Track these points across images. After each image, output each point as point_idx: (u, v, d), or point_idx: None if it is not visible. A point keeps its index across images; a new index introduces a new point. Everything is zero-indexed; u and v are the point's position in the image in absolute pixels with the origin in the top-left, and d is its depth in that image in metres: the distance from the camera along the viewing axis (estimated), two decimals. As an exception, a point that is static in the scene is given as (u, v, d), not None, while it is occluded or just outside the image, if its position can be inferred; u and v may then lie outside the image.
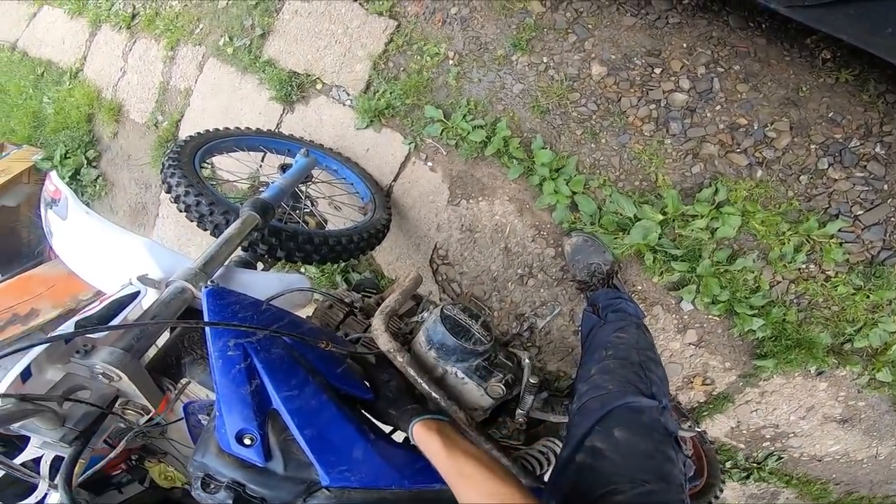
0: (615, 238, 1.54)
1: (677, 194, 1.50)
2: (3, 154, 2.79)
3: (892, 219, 1.47)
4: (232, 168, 1.79)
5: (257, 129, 1.82)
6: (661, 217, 1.50)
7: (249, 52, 2.10)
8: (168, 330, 0.89)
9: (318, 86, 1.98)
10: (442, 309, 0.95)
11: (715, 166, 1.53)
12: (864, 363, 1.54)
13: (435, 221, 1.84)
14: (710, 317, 1.55)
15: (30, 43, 3.03)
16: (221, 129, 1.70)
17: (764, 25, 1.57)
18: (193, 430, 1.03)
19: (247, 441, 0.71)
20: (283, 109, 2.06)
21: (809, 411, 1.61)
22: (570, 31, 1.65)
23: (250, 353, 0.76)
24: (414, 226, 1.89)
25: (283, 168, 1.68)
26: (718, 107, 1.54)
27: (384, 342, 0.89)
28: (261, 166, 2.00)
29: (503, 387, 0.93)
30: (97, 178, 2.61)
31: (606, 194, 1.56)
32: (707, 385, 1.64)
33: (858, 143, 1.48)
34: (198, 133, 1.60)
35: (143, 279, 0.92)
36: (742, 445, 1.73)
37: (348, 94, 1.93)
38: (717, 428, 1.76)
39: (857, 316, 1.51)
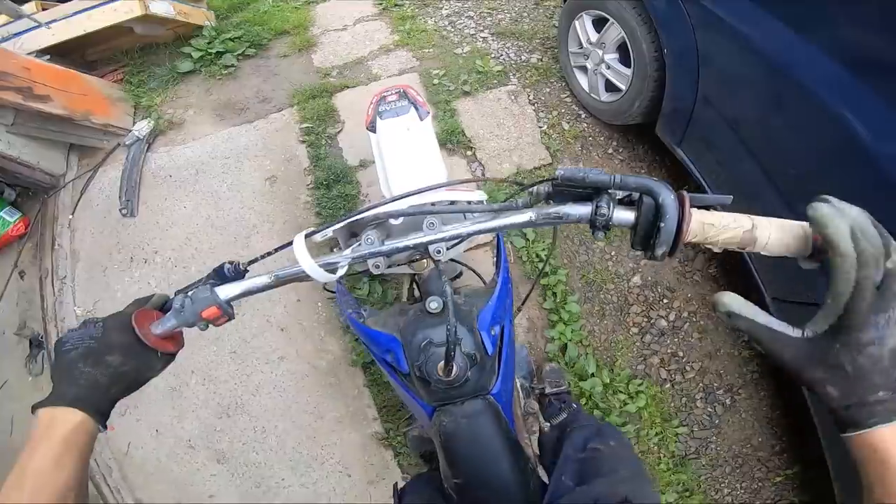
0: (576, 379, 2.34)
1: (628, 374, 2.33)
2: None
3: (709, 443, 2.50)
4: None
5: None
6: (606, 381, 2.33)
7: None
8: None
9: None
10: None
11: (649, 369, 2.38)
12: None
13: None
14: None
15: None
16: None
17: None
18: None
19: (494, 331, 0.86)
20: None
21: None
22: (636, 245, 2.28)
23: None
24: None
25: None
26: (677, 339, 2.36)
27: None
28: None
29: None
30: (231, 65, 2.92)
31: (586, 352, 2.33)
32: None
33: (721, 393, 2.45)
34: None
35: None
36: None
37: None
38: None
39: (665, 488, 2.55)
